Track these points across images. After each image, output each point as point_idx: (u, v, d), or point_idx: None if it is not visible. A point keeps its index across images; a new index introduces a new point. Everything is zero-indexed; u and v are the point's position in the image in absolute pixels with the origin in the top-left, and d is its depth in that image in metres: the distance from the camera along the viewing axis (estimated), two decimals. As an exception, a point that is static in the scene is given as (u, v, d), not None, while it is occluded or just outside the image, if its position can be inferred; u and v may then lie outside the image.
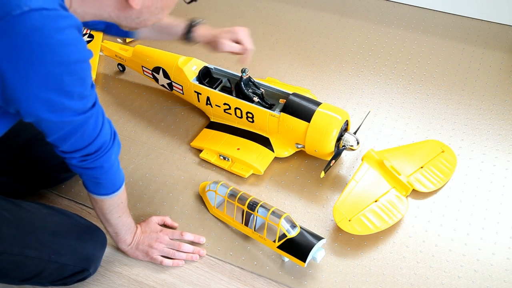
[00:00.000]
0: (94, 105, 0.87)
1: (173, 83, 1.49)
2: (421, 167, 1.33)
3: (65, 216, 1.08)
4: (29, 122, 0.84)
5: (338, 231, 1.22)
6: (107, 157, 0.94)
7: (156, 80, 1.54)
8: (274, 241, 1.14)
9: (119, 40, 1.81)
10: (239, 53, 1.26)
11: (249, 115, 1.38)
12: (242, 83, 1.37)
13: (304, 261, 1.10)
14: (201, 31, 1.27)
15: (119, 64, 1.67)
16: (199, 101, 1.47)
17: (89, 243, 1.07)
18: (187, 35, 1.27)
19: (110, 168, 0.97)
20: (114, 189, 1.01)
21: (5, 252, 0.96)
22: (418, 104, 1.56)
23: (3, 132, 0.92)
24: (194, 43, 1.29)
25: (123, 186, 1.03)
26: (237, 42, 1.25)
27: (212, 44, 1.27)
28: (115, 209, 1.04)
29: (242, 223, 1.20)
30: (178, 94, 1.51)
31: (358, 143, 1.30)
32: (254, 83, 1.40)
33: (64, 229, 1.05)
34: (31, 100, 0.78)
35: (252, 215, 1.17)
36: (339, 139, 1.30)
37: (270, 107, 1.38)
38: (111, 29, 1.25)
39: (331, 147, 1.30)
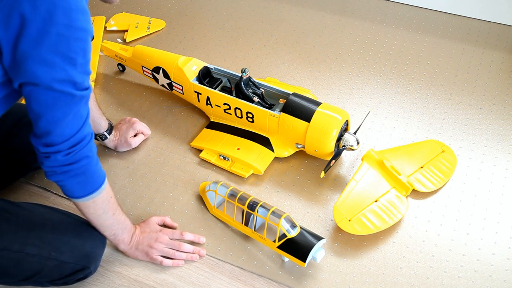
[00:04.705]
0: (88, 88, 0.90)
1: (173, 83, 1.49)
2: (421, 167, 1.33)
3: (64, 215, 1.09)
4: (26, 98, 0.86)
5: (338, 231, 1.22)
6: (91, 145, 0.95)
7: (156, 80, 1.53)
8: (274, 241, 1.14)
9: (119, 40, 1.81)
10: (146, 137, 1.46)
11: (249, 115, 1.38)
12: (242, 83, 1.37)
13: (304, 261, 1.10)
14: (111, 137, 1.40)
15: (119, 64, 1.67)
16: (199, 101, 1.47)
17: (89, 240, 1.06)
18: (104, 136, 1.38)
19: (93, 157, 0.96)
20: (100, 182, 0.99)
21: (5, 248, 0.96)
22: (418, 104, 1.56)
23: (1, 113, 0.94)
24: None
25: (106, 180, 1.02)
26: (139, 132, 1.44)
27: (124, 145, 1.41)
28: (107, 205, 1.03)
29: (242, 223, 1.20)
30: (178, 94, 1.51)
31: (358, 143, 1.30)
32: (254, 83, 1.40)
33: (63, 227, 1.05)
34: (39, 63, 0.81)
35: (252, 215, 1.17)
36: (339, 139, 1.30)
37: (270, 107, 1.38)
38: None
39: (331, 147, 1.30)
